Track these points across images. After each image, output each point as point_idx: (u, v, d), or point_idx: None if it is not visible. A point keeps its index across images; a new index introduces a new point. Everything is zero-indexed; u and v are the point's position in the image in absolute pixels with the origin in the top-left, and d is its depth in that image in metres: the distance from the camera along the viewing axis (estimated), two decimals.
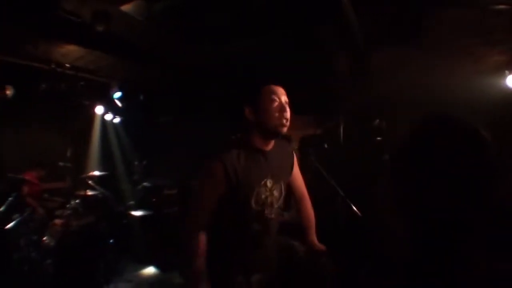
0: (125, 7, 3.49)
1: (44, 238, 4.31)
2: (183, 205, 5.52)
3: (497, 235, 0.95)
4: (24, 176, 4.81)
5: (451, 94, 3.62)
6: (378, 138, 4.57)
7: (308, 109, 5.05)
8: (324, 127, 5.39)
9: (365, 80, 4.50)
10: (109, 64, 5.06)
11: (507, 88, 4.03)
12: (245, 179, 1.87)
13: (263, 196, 1.94)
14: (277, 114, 1.87)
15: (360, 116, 5.02)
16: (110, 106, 6.19)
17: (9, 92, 4.57)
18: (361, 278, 3.16)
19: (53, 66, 4.76)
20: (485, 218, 0.82)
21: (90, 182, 5.21)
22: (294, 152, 2.23)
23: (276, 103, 1.88)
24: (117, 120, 6.94)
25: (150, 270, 4.89)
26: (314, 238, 2.20)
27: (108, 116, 6.63)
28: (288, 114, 1.90)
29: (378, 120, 4.63)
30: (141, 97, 6.17)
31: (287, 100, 1.93)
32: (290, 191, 2.24)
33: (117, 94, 5.90)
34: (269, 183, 1.96)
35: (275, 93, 1.90)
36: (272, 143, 2.00)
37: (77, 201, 4.79)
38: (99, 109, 6.20)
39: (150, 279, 4.66)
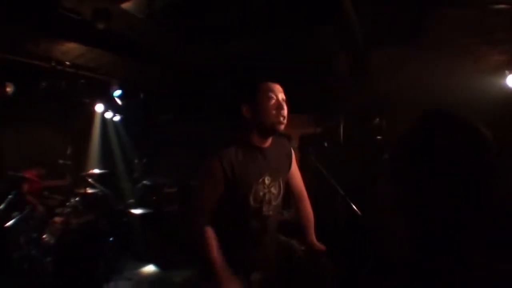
0: (126, 5, 3.49)
1: (44, 236, 4.31)
2: (183, 204, 5.53)
3: (497, 235, 0.95)
4: (24, 174, 4.81)
5: (451, 94, 3.62)
6: (378, 137, 4.57)
7: (308, 109, 5.06)
8: (324, 126, 5.39)
9: (365, 80, 4.51)
10: (110, 62, 5.06)
11: (507, 88, 4.03)
12: (242, 176, 1.88)
13: (261, 193, 1.94)
14: (274, 112, 1.87)
15: (360, 116, 5.02)
16: (110, 104, 6.18)
17: (9, 89, 4.57)
18: (361, 278, 3.16)
19: (53, 64, 4.75)
20: (485, 218, 0.82)
21: (90, 180, 5.21)
22: (292, 150, 2.23)
23: (273, 101, 1.88)
24: (117, 118, 6.92)
25: (150, 268, 4.89)
26: (313, 237, 2.20)
27: (108, 114, 6.62)
28: (285, 111, 1.90)
29: (378, 119, 4.63)
30: (141, 95, 6.17)
31: (284, 97, 1.93)
32: (289, 190, 2.24)
33: (117, 92, 5.90)
34: (267, 180, 1.97)
35: (272, 90, 1.90)
36: (270, 140, 2.00)
37: (77, 199, 4.79)
38: (99, 107, 6.19)
39: (150, 277, 4.66)
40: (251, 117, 1.91)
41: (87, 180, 5.17)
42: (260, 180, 1.94)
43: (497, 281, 0.81)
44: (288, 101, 1.95)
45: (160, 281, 4.54)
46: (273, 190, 2.00)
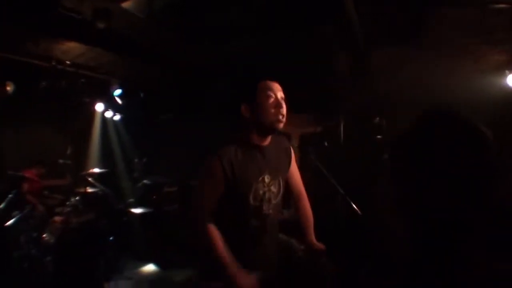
0: (126, 4, 3.50)
1: (44, 235, 4.31)
2: (183, 203, 5.53)
3: (497, 235, 0.95)
4: (24, 173, 4.82)
5: (451, 94, 3.62)
6: (378, 137, 4.57)
7: (308, 108, 5.06)
8: (324, 126, 5.39)
9: (365, 80, 4.51)
10: (110, 61, 5.06)
11: (508, 88, 4.03)
12: (242, 175, 1.88)
13: (261, 192, 1.95)
14: (273, 110, 1.87)
15: (360, 116, 5.02)
16: (111, 104, 6.18)
17: (9, 88, 4.58)
18: (361, 278, 3.16)
19: (53, 63, 4.76)
20: (485, 218, 0.82)
21: (90, 179, 5.21)
22: (292, 149, 2.23)
23: (272, 99, 1.88)
24: (117, 117, 6.93)
25: (150, 267, 4.89)
26: (312, 237, 2.19)
27: (108, 114, 6.63)
28: (284, 110, 1.90)
29: (378, 119, 4.63)
30: (142, 95, 6.18)
31: (283, 96, 1.93)
32: (288, 189, 2.24)
33: (118, 92, 5.90)
34: (266, 179, 1.97)
35: (270, 89, 1.90)
36: (269, 139, 2.00)
37: (77, 198, 4.79)
38: (99, 107, 6.20)
39: (150, 276, 4.66)
40: (250, 116, 1.91)
41: (87, 180, 5.17)
42: (260, 178, 1.95)
43: (497, 281, 0.81)
44: (288, 100, 1.95)
45: (160, 281, 4.54)
46: (272, 188, 2.00)
